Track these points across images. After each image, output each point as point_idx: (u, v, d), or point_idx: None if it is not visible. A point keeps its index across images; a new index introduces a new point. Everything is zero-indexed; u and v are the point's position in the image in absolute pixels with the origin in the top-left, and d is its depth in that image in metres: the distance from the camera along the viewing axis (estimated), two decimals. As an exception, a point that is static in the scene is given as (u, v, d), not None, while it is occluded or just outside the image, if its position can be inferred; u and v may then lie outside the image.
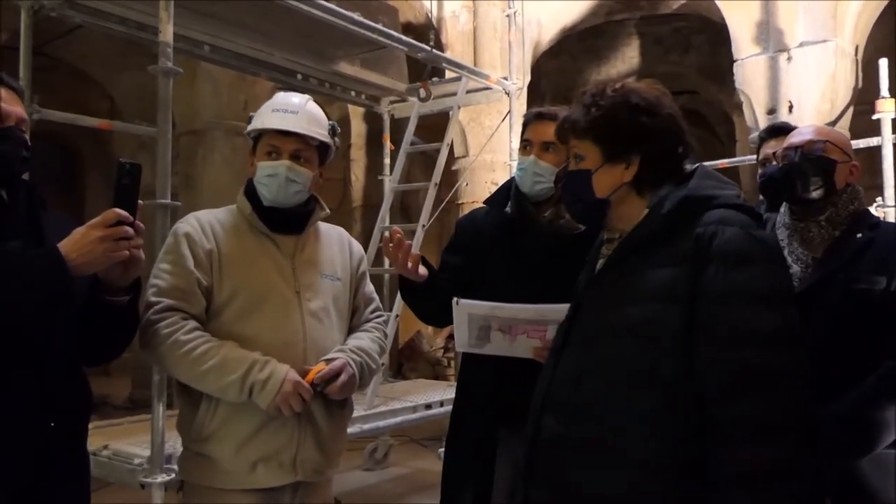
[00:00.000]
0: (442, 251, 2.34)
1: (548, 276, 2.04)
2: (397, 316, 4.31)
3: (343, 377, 1.91)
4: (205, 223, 1.98)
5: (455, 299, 1.84)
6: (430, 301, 2.14)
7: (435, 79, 5.09)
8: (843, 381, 1.71)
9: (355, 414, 3.79)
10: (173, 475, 2.77)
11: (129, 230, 1.48)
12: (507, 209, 2.21)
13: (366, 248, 5.06)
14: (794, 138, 1.96)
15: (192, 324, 1.87)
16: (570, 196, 1.50)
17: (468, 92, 5.04)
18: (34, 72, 3.15)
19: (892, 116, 4.33)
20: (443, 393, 4.46)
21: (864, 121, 4.81)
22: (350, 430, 3.71)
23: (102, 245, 1.45)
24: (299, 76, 4.61)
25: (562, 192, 1.53)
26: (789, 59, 5.35)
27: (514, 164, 2.28)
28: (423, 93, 4.79)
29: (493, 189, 2.44)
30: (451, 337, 9.56)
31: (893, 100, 4.31)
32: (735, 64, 5.65)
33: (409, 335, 9.81)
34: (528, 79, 6.60)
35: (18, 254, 1.47)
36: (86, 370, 1.73)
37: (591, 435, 1.34)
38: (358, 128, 9.63)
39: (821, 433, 1.50)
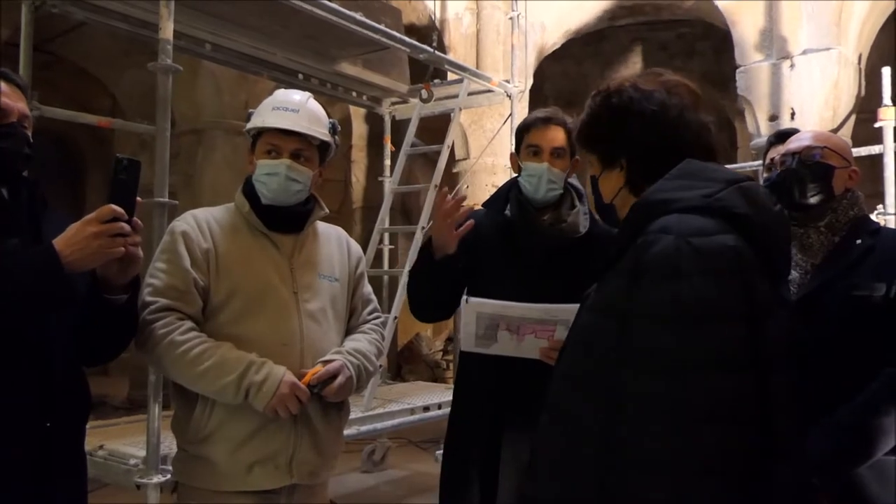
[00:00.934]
0: None
1: (547, 280, 2.03)
2: (395, 318, 4.30)
3: (340, 379, 1.90)
4: (202, 222, 1.95)
5: (465, 297, 1.82)
6: (441, 285, 2.09)
7: (437, 80, 5.09)
8: (842, 388, 1.69)
9: (353, 416, 3.79)
10: (169, 476, 2.76)
11: (125, 227, 1.47)
12: (507, 212, 2.20)
13: (365, 250, 5.06)
14: (792, 144, 1.95)
15: (189, 324, 1.84)
16: (596, 202, 1.49)
17: (470, 94, 5.03)
18: (35, 69, 3.14)
19: (894, 125, 4.32)
20: (441, 395, 4.46)
21: (867, 129, 4.81)
22: (347, 431, 3.70)
23: (97, 241, 1.44)
24: (301, 76, 4.61)
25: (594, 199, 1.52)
26: (792, 66, 5.34)
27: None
28: (424, 94, 4.79)
29: (494, 192, 2.43)
30: (450, 339, 9.56)
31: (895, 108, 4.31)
32: (738, 70, 5.65)
33: (408, 337, 9.80)
34: (530, 82, 6.61)
35: (13, 251, 1.46)
36: (85, 370, 1.72)
37: (542, 442, 1.29)
38: (359, 129, 9.63)
39: (809, 444, 1.49)
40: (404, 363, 9.70)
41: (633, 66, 9.19)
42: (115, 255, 1.47)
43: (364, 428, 3.89)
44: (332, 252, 2.11)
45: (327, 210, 2.11)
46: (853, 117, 5.42)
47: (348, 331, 2.12)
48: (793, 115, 5.26)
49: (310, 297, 1.99)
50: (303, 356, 1.92)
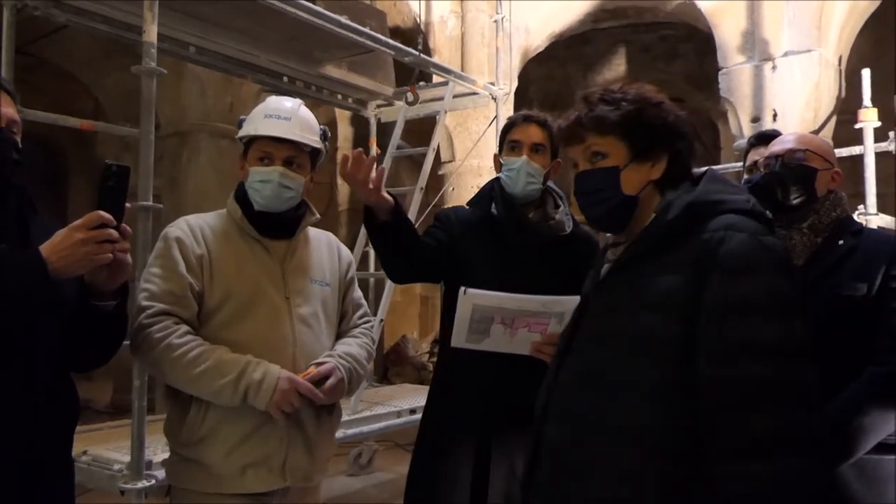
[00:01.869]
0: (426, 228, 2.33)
1: (535, 278, 2.05)
2: (381, 320, 4.30)
3: (332, 380, 1.91)
4: (195, 228, 1.97)
5: (462, 288, 1.83)
6: (396, 241, 2.08)
7: (422, 83, 5.10)
8: (826, 388, 1.71)
9: (339, 419, 3.80)
10: (153, 481, 2.74)
11: (113, 233, 1.46)
12: (493, 210, 2.21)
13: (351, 252, 5.06)
14: (775, 147, 1.97)
15: (185, 328, 1.86)
16: (592, 195, 1.42)
17: (455, 97, 5.04)
18: (18, 71, 3.12)
19: (875, 126, 4.38)
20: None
21: (847, 130, 4.85)
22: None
23: (84, 248, 1.43)
24: (286, 79, 4.60)
25: (578, 191, 1.45)
26: (774, 68, 5.39)
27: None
28: (409, 97, 4.80)
29: (481, 194, 2.43)
30: (436, 342, 9.55)
31: (876, 109, 4.35)
32: (720, 72, 5.69)
33: (394, 339, 9.79)
34: (514, 84, 6.61)
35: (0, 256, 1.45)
36: (73, 376, 1.71)
37: (588, 446, 1.31)
38: (345, 131, 9.61)
39: None
40: (391, 365, 9.68)
41: (616, 69, 9.23)
42: (102, 262, 1.46)
43: (350, 431, 3.89)
44: (323, 257, 2.12)
45: (318, 216, 2.13)
46: (834, 119, 5.48)
47: (339, 335, 2.13)
48: (775, 116, 5.31)
49: (301, 301, 2.00)
50: (295, 360, 1.93)
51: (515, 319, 1.80)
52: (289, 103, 2.02)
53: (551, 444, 1.38)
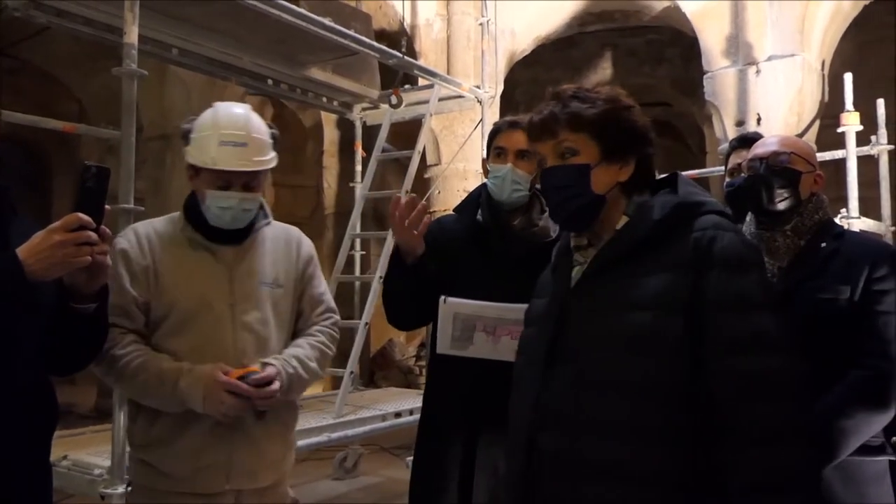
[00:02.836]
0: None
1: (520, 284, 2.04)
2: (367, 324, 4.28)
3: (273, 386, 1.89)
4: (142, 237, 1.98)
5: (442, 297, 1.82)
6: (416, 287, 2.05)
7: (407, 86, 5.09)
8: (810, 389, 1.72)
9: (323, 423, 3.77)
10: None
11: (92, 235, 1.44)
12: (479, 217, 2.20)
13: (335, 256, 5.05)
14: (758, 149, 1.97)
15: (130, 338, 1.89)
16: (562, 191, 1.41)
17: (441, 100, 5.03)
18: (1, 73, 3.08)
19: (857, 129, 4.41)
20: (413, 401, 4.42)
21: (830, 133, 4.89)
22: (318, 439, 3.69)
23: (62, 250, 1.40)
24: (270, 81, 4.57)
25: (547, 186, 1.44)
26: (758, 72, 5.43)
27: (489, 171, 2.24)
28: (394, 99, 4.78)
29: (466, 197, 2.42)
30: (423, 345, 9.53)
31: (858, 113, 4.39)
32: (705, 76, 5.73)
33: (380, 343, 9.76)
34: (500, 88, 6.62)
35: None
36: (53, 380, 1.69)
37: (596, 449, 1.30)
38: (330, 134, 9.57)
39: None
40: (377, 369, 9.65)
41: (602, 72, 9.26)
42: (80, 265, 1.44)
43: (335, 435, 3.85)
44: (278, 256, 2.09)
45: (271, 219, 2.11)
46: (817, 122, 5.52)
47: (295, 334, 2.11)
48: (759, 120, 5.35)
49: (248, 307, 1.99)
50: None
51: (497, 327, 1.80)
52: (241, 119, 1.96)
53: (552, 449, 1.36)
